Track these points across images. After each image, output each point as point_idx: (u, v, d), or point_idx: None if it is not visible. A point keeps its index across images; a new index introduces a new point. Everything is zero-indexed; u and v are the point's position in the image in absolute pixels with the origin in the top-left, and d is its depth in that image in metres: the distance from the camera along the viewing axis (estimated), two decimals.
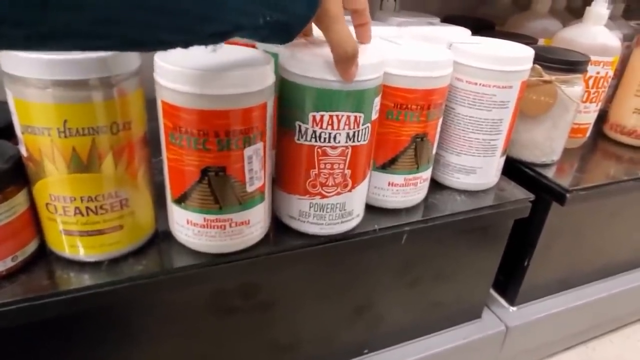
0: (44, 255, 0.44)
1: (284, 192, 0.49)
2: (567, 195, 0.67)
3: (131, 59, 0.39)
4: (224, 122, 0.39)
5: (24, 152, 0.39)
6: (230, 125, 0.40)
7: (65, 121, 0.36)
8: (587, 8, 0.74)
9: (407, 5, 0.95)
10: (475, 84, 0.56)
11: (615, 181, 0.72)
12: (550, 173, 0.71)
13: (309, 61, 0.42)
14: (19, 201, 0.40)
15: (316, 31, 0.45)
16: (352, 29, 0.44)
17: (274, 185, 0.50)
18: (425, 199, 0.60)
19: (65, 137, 0.37)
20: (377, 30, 0.59)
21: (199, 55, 0.42)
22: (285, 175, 0.48)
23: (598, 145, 0.86)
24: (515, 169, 0.72)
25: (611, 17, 0.86)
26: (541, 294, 0.81)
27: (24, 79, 0.35)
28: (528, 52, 0.57)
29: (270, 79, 0.42)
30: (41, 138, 0.37)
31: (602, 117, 0.87)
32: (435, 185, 0.63)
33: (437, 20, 0.74)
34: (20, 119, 0.37)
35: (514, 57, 0.55)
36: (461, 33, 0.65)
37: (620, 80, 0.85)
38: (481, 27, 0.89)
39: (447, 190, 0.62)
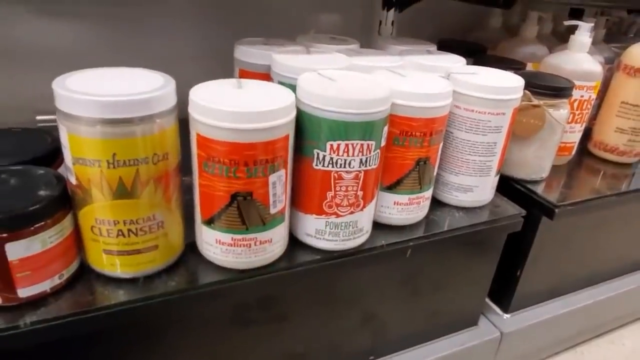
0: (83, 273, 0.48)
1: (301, 212, 0.54)
2: (556, 210, 0.72)
3: (169, 98, 0.43)
4: (253, 153, 0.44)
5: (73, 181, 0.43)
6: (258, 155, 0.44)
7: (114, 154, 0.41)
8: (571, 37, 0.80)
9: (403, 30, 1.01)
10: (472, 111, 0.61)
11: (600, 196, 0.78)
12: (539, 189, 0.77)
13: (327, 95, 0.47)
14: (66, 224, 0.44)
15: (329, 65, 0.50)
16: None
17: (293, 204, 0.54)
18: (427, 216, 0.65)
19: (114, 168, 0.41)
20: (382, 61, 0.65)
21: (228, 92, 0.47)
22: (303, 197, 0.53)
23: (583, 161, 0.92)
24: (508, 186, 0.77)
25: (593, 42, 0.92)
26: (533, 301, 0.86)
27: (78, 117, 0.40)
28: (519, 82, 0.62)
29: (292, 113, 0.47)
30: (91, 169, 0.41)
31: (587, 134, 0.92)
32: (436, 203, 0.68)
33: (434, 47, 0.79)
34: (73, 152, 0.41)
35: (506, 87, 0.60)
36: (457, 61, 0.70)
37: (603, 101, 0.91)
38: (474, 51, 0.95)
39: (447, 207, 0.68)
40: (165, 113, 0.43)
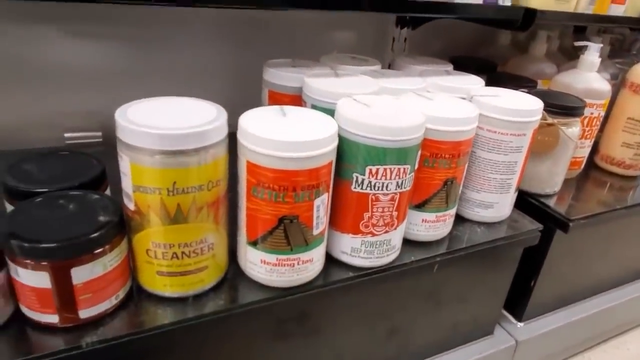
0: (134, 293, 0.50)
1: (339, 232, 0.56)
2: (570, 224, 0.76)
3: (222, 129, 0.46)
4: (300, 179, 0.47)
5: (131, 207, 0.45)
6: (304, 181, 0.47)
7: (174, 182, 0.43)
8: (581, 56, 0.84)
9: (414, 46, 1.04)
10: (495, 132, 0.64)
11: (610, 209, 0.81)
12: (552, 203, 0.80)
13: (366, 122, 0.50)
14: (123, 248, 0.47)
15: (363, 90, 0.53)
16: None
17: (330, 224, 0.57)
18: (450, 232, 0.67)
19: (173, 195, 0.44)
20: (407, 83, 0.67)
21: (274, 120, 0.49)
22: (340, 217, 0.55)
23: (591, 174, 0.95)
24: (522, 199, 0.80)
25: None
26: (546, 310, 0.90)
27: (140, 148, 0.42)
28: (538, 105, 0.66)
29: (336, 141, 0.49)
30: (151, 196, 0.44)
31: (594, 146, 0.96)
32: (458, 218, 0.71)
33: (451, 66, 0.82)
34: (134, 180, 0.44)
35: (527, 109, 0.63)
36: (476, 82, 0.73)
37: (609, 116, 0.95)
38: (484, 67, 0.99)
39: (468, 223, 0.71)
40: (218, 143, 0.45)
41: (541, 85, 0.93)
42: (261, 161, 0.46)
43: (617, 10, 0.82)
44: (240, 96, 0.77)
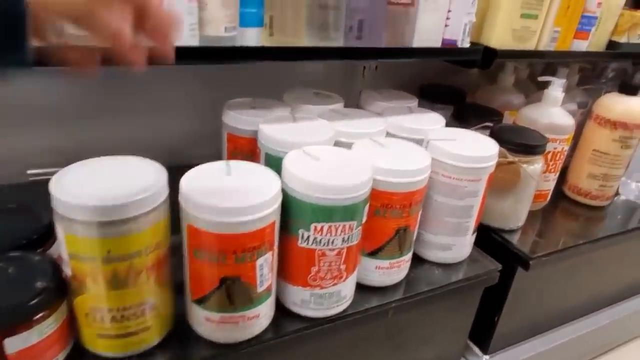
0: (77, 354, 0.50)
1: (288, 283, 0.56)
2: (530, 262, 0.76)
3: (162, 193, 0.46)
4: (241, 242, 0.47)
5: (68, 272, 0.45)
6: (246, 244, 0.47)
7: (108, 251, 0.43)
8: (545, 91, 0.84)
9: (385, 74, 1.04)
10: (450, 177, 0.64)
11: (573, 245, 0.82)
12: (515, 239, 0.81)
13: (311, 181, 0.50)
14: (62, 312, 0.46)
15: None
16: None
17: (279, 275, 0.57)
18: (408, 274, 0.68)
19: (108, 263, 0.43)
20: (364, 126, 0.67)
21: (217, 181, 0.49)
22: (289, 270, 0.55)
23: (558, 204, 0.96)
24: (485, 235, 0.80)
25: (567, 88, 0.97)
26: (512, 341, 0.90)
27: (74, 219, 0.42)
28: (494, 149, 0.66)
29: (279, 200, 0.49)
30: (86, 264, 0.43)
31: (562, 174, 0.96)
32: (417, 259, 0.71)
33: (415, 102, 0.82)
34: (68, 248, 0.43)
35: (482, 156, 0.64)
36: (437, 122, 0.74)
37: (576, 147, 0.95)
38: (453, 97, 0.99)
39: (427, 264, 0.71)
40: (157, 207, 0.45)
41: (508, 116, 0.93)
42: (201, 226, 0.46)
43: (580, 46, 0.83)
44: (205, 130, 0.78)
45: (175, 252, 0.51)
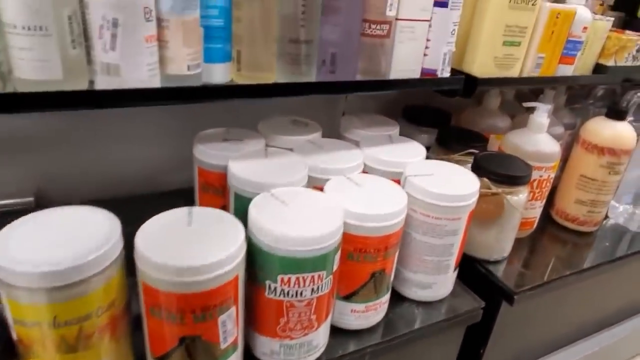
0: None
1: (257, 333, 0.54)
2: (515, 297, 0.73)
3: (112, 252, 0.43)
4: (201, 302, 0.44)
5: (14, 337, 0.42)
6: (205, 302, 0.44)
7: (55, 317, 0.40)
8: (530, 116, 0.81)
9: (368, 97, 1.01)
10: (428, 216, 0.62)
11: (559, 277, 0.79)
12: (500, 271, 0.78)
13: (277, 233, 0.47)
14: None
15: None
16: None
17: (248, 324, 0.54)
18: (387, 314, 0.65)
19: (55, 328, 0.41)
20: (340, 160, 0.65)
21: (176, 233, 0.46)
22: (257, 321, 0.53)
23: (546, 229, 0.93)
24: (470, 266, 0.78)
25: (554, 109, 0.95)
26: None
27: (16, 286, 0.39)
28: (474, 186, 0.63)
29: (243, 252, 0.47)
30: (31, 330, 0.41)
31: (550, 198, 0.93)
32: (396, 296, 0.68)
33: (396, 129, 0.80)
34: (13, 314, 0.41)
35: (461, 194, 0.61)
36: (416, 153, 0.71)
37: (564, 171, 0.93)
38: (438, 119, 0.97)
39: (406, 302, 0.68)
40: (110, 266, 0.42)
41: (494, 140, 0.91)
42: (156, 285, 0.43)
43: (566, 71, 0.80)
44: (180, 156, 0.75)
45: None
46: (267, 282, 0.49)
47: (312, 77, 0.58)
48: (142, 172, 0.86)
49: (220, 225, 0.48)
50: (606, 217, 0.99)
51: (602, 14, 0.94)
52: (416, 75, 0.66)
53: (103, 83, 0.47)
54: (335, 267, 0.52)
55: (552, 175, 0.83)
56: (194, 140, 0.66)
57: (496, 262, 0.80)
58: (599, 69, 0.87)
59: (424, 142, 0.77)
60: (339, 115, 0.96)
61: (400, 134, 0.81)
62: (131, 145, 0.84)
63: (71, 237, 0.43)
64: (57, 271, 0.39)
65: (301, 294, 0.50)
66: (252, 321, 0.53)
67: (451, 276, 0.68)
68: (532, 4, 0.70)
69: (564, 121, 0.98)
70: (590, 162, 0.87)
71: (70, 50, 0.44)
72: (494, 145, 0.89)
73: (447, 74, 0.68)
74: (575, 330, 0.97)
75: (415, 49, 0.65)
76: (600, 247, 0.91)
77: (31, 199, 0.79)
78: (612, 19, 0.83)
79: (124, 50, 0.45)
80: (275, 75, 0.58)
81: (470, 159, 0.79)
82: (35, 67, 0.43)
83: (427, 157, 0.72)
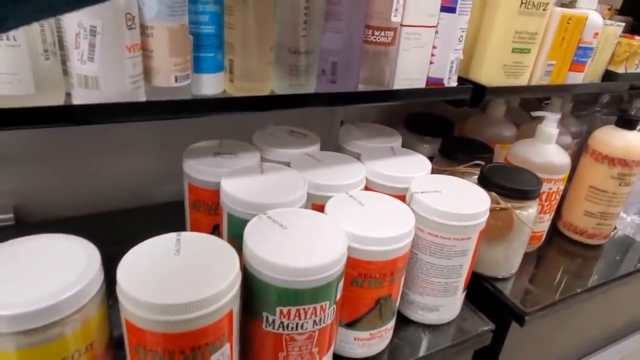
0: None
1: None
2: (526, 317, 0.69)
3: (90, 287, 0.38)
4: (190, 341, 0.39)
5: None
6: (195, 342, 0.40)
7: None
8: (539, 127, 0.78)
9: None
10: (436, 236, 0.57)
11: (569, 295, 0.75)
12: (508, 290, 0.74)
13: (275, 262, 0.43)
14: None
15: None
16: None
17: None
18: (392, 340, 0.61)
19: None
20: (339, 176, 0.60)
21: (162, 264, 0.42)
22: (254, 356, 0.48)
23: (553, 243, 0.90)
24: (477, 284, 0.74)
25: (561, 117, 0.91)
26: None
27: None
28: (484, 205, 0.59)
29: (237, 285, 0.42)
30: None
31: (557, 210, 0.89)
32: (402, 319, 0.64)
33: (399, 141, 0.76)
34: None
35: (471, 213, 0.57)
36: (421, 167, 0.67)
37: (571, 182, 0.89)
38: (441, 128, 0.93)
39: (412, 326, 0.64)
40: (89, 303, 0.38)
41: (499, 150, 0.87)
42: (140, 323, 0.39)
43: (576, 78, 0.77)
44: (171, 168, 0.70)
45: None
46: (265, 314, 0.45)
47: (311, 87, 0.54)
48: (127, 185, 0.82)
49: (212, 254, 0.44)
50: (614, 228, 0.96)
51: (610, 19, 0.90)
52: (422, 84, 0.62)
53: (80, 97, 0.42)
54: (338, 296, 0.48)
55: (562, 187, 0.79)
56: (184, 155, 0.62)
57: (504, 280, 0.76)
58: (609, 76, 0.83)
59: (426, 153, 0.74)
60: (337, 123, 0.91)
61: (402, 144, 0.76)
62: (116, 158, 0.80)
63: (44, 273, 0.38)
64: (27, 313, 0.34)
65: (302, 326, 0.45)
66: (249, 357, 0.49)
67: (459, 298, 0.64)
68: (543, 9, 0.66)
69: (571, 129, 0.94)
70: (600, 173, 0.83)
71: (42, 62, 0.40)
72: (499, 155, 0.86)
73: (454, 83, 0.64)
74: (583, 346, 0.94)
75: (421, 56, 0.61)
76: (609, 260, 0.87)
77: (10, 215, 0.75)
78: (623, 24, 0.80)
79: (103, 61, 0.41)
80: (270, 85, 0.53)
81: (476, 171, 0.75)
82: (3, 82, 0.39)
83: (432, 169, 0.68)
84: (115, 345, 0.44)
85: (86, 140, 0.77)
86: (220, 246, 0.45)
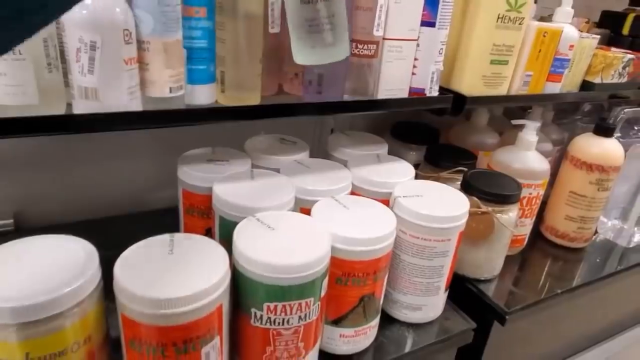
0: None
1: None
2: (507, 317, 0.72)
3: (89, 284, 0.41)
4: (182, 334, 0.42)
5: None
6: (187, 335, 0.42)
7: (27, 354, 0.38)
8: (519, 134, 0.81)
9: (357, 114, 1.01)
10: (418, 237, 0.61)
11: (550, 295, 0.78)
12: (491, 290, 0.77)
13: (262, 260, 0.46)
14: None
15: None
16: None
17: (233, 353, 0.52)
18: (377, 337, 0.63)
19: None
20: (326, 181, 0.63)
21: (156, 263, 0.44)
22: (243, 350, 0.51)
23: (536, 246, 0.93)
24: (461, 285, 0.77)
25: (542, 124, 0.94)
26: None
27: None
28: (464, 207, 0.62)
29: (226, 282, 0.45)
30: None
31: (540, 213, 0.92)
32: (386, 318, 0.67)
33: (385, 149, 0.79)
34: None
35: (451, 216, 0.60)
36: (405, 173, 0.70)
37: (553, 187, 0.93)
38: (426, 136, 0.96)
39: (396, 324, 0.67)
40: (87, 298, 0.41)
41: (482, 157, 0.90)
42: (135, 317, 0.41)
43: (554, 88, 0.80)
44: (166, 173, 0.73)
45: None
46: (253, 310, 0.48)
47: (344, 49, 0.49)
48: (124, 191, 0.84)
49: (203, 253, 0.47)
50: (595, 232, 0.99)
51: (587, 32, 0.95)
52: (404, 94, 0.66)
53: (81, 107, 0.45)
54: (323, 293, 0.51)
55: (542, 192, 0.83)
56: (178, 162, 0.65)
57: (487, 281, 0.79)
58: (586, 86, 0.87)
59: (412, 160, 0.77)
60: (327, 132, 0.95)
61: (389, 152, 0.80)
62: (113, 165, 0.83)
63: (46, 269, 0.41)
64: (29, 306, 0.37)
65: (288, 321, 0.48)
66: (238, 350, 0.52)
67: (442, 297, 0.67)
68: (519, 23, 0.70)
69: (552, 137, 0.98)
70: (579, 179, 0.87)
71: (46, 74, 0.43)
72: (482, 162, 0.89)
73: (435, 93, 0.68)
74: (566, 347, 0.97)
75: (403, 68, 0.64)
76: (590, 263, 0.90)
77: (10, 220, 0.77)
78: (598, 37, 0.84)
79: (102, 74, 0.44)
80: (260, 96, 0.56)
81: (459, 177, 0.78)
82: (9, 93, 0.42)
83: (416, 175, 0.71)
84: (111, 346, 0.47)
85: (84, 149, 0.79)
86: (211, 246, 0.48)
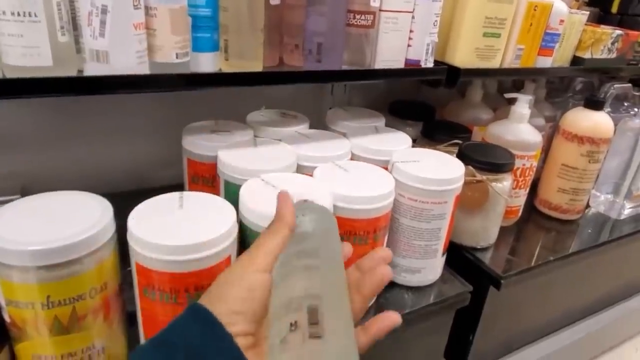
0: None
1: None
2: (502, 281, 0.75)
3: (104, 233, 0.43)
4: (194, 280, 0.44)
5: (7, 319, 0.42)
6: (198, 282, 0.45)
7: (48, 296, 0.40)
8: (512, 108, 0.84)
9: (355, 89, 1.03)
10: (415, 200, 0.63)
11: (543, 262, 0.81)
12: (487, 258, 0.80)
13: (267, 214, 0.48)
14: (4, 358, 0.44)
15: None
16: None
17: None
18: (377, 299, 0.66)
19: (48, 308, 0.41)
20: (327, 149, 0.66)
21: (167, 215, 0.47)
22: None
23: (530, 219, 0.96)
24: (458, 253, 0.80)
25: (535, 101, 0.97)
26: (488, 358, 0.89)
27: (10, 265, 0.39)
28: (459, 171, 0.65)
29: (234, 233, 0.47)
30: (25, 311, 0.41)
31: (534, 187, 0.95)
32: None
33: (382, 121, 0.81)
34: (5, 294, 0.41)
35: (447, 178, 0.63)
36: (403, 142, 0.72)
37: (545, 161, 0.95)
38: (423, 113, 0.98)
39: (396, 287, 0.69)
40: (102, 247, 0.43)
41: (477, 132, 0.93)
42: (149, 264, 0.44)
43: (545, 62, 0.83)
44: (169, 152, 0.75)
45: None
46: None
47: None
48: (129, 168, 0.87)
49: (212, 207, 0.49)
50: (588, 206, 1.02)
51: (577, 9, 0.97)
52: (400, 65, 0.68)
53: (92, 70, 0.47)
54: None
55: (535, 163, 0.85)
56: (183, 132, 0.67)
57: (483, 249, 0.82)
58: (576, 61, 0.89)
59: (409, 135, 0.79)
60: (325, 110, 0.97)
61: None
62: (118, 142, 0.85)
63: (64, 219, 0.43)
64: (49, 249, 0.39)
65: None
66: None
67: (440, 261, 0.69)
68: None
69: (545, 114, 1.00)
70: (571, 151, 0.89)
71: (59, 37, 0.45)
72: (477, 137, 0.92)
73: (430, 64, 0.70)
74: (562, 317, 0.99)
75: (399, 39, 0.67)
76: (583, 234, 0.93)
77: (18, 195, 0.79)
78: (588, 12, 0.86)
79: (112, 37, 0.46)
80: (262, 64, 0.59)
81: (455, 150, 0.81)
82: (24, 54, 0.44)
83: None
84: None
85: (88, 125, 0.81)
86: (218, 202, 0.50)
